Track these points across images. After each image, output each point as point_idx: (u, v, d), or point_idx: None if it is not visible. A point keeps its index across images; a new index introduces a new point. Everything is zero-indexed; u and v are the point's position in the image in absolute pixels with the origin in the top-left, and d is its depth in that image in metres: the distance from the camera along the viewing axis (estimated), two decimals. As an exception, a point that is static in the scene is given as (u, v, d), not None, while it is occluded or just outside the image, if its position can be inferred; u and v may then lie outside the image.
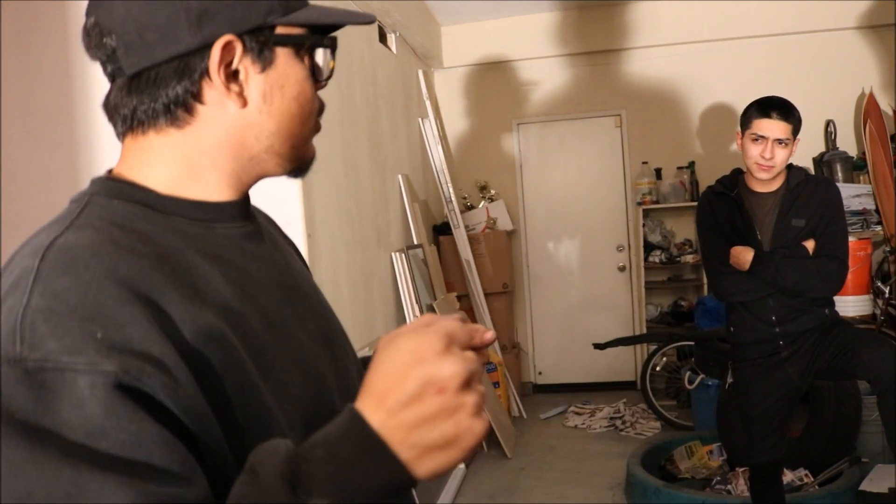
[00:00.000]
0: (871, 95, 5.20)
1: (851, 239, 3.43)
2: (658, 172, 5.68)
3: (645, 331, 5.69)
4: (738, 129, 2.75)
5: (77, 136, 3.06)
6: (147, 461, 0.60)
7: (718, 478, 3.79)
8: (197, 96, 0.77)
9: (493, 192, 5.84)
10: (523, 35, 5.72)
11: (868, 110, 5.17)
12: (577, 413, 5.41)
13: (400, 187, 4.46)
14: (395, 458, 0.59)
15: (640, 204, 5.66)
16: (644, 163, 5.70)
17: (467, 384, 0.61)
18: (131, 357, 0.62)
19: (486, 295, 5.34)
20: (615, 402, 5.48)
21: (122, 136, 0.81)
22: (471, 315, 5.17)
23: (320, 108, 0.86)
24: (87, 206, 0.75)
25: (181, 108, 0.77)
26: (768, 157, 2.61)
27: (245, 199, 0.86)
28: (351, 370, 0.90)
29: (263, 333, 0.76)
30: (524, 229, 6.02)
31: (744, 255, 2.65)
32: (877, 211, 4.99)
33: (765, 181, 2.70)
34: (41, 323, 0.61)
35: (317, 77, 0.84)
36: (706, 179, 5.33)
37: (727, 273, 2.72)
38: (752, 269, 2.63)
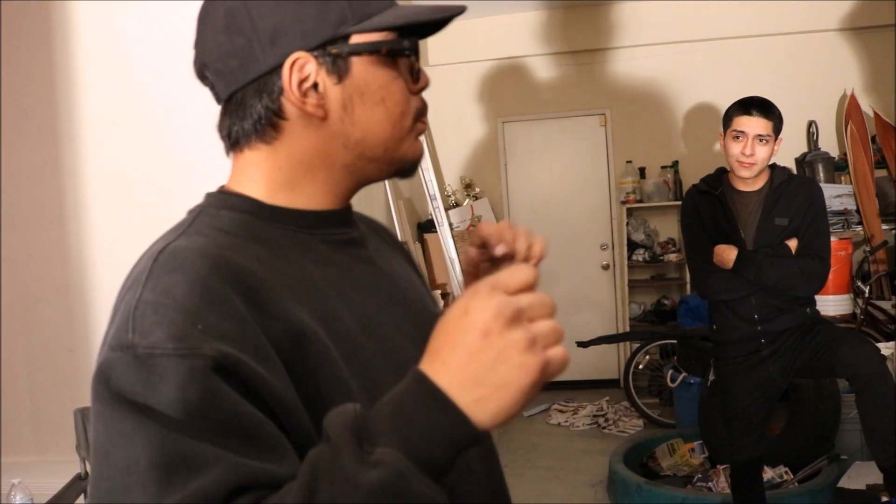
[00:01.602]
0: (853, 97, 5.25)
1: (832, 239, 3.46)
2: (642, 171, 5.71)
3: (628, 329, 5.72)
4: (721, 129, 2.77)
5: (60, 133, 3.04)
6: (241, 437, 0.65)
7: (700, 475, 3.82)
8: (279, 113, 0.81)
9: (477, 189, 5.85)
10: (509, 34, 5.73)
11: (850, 111, 5.22)
12: (560, 410, 5.43)
13: (384, 185, 4.46)
14: (453, 405, 0.60)
15: (623, 203, 5.68)
16: (628, 162, 5.72)
17: (515, 322, 0.61)
18: (228, 346, 0.67)
19: (471, 292, 5.33)
20: (598, 399, 5.51)
21: (228, 153, 0.87)
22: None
23: (420, 108, 0.87)
24: (199, 216, 0.83)
25: (266, 125, 0.81)
26: (749, 154, 2.64)
27: (346, 207, 0.90)
28: None
29: (358, 335, 0.80)
30: (509, 227, 6.02)
31: (727, 254, 2.67)
32: (857, 211, 5.04)
33: (748, 180, 2.72)
34: (150, 314, 0.68)
35: (411, 79, 0.85)
36: (690, 179, 5.36)
37: (711, 271, 2.74)
38: (736, 268, 2.65)
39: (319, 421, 0.71)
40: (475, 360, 0.60)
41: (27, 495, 2.37)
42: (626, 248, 5.69)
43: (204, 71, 0.83)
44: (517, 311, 0.61)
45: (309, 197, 0.85)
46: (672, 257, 5.63)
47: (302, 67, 0.79)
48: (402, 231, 4.62)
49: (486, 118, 5.96)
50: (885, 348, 3.43)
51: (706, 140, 5.53)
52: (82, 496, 2.61)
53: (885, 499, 2.62)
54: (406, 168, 0.88)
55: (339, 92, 0.81)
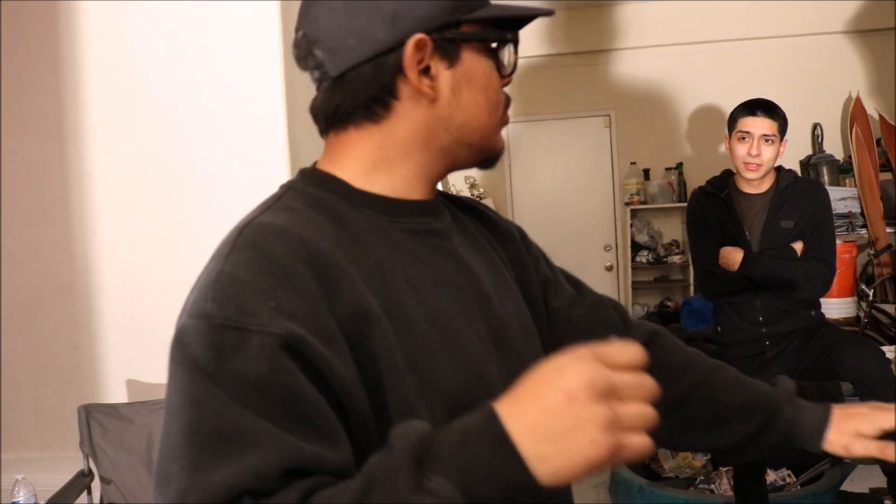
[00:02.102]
0: (858, 99, 5.24)
1: (837, 242, 3.46)
2: (646, 173, 5.70)
3: (631, 330, 5.70)
4: (726, 132, 2.77)
5: (66, 131, 3.04)
6: (299, 419, 0.68)
7: (702, 477, 3.81)
8: (392, 92, 0.83)
9: (481, 190, 5.85)
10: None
11: (855, 114, 5.20)
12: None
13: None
14: (518, 455, 0.60)
15: (627, 204, 5.68)
16: (632, 163, 5.72)
17: (604, 398, 0.61)
18: (297, 325, 0.70)
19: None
20: (601, 401, 5.49)
21: (325, 132, 0.89)
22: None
23: (507, 101, 0.92)
24: (288, 191, 0.86)
25: (378, 103, 0.84)
26: (755, 154, 2.65)
27: (431, 198, 0.92)
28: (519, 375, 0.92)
29: (423, 327, 0.80)
30: (512, 228, 6.02)
31: (733, 256, 2.67)
32: (862, 214, 5.03)
33: (753, 182, 2.72)
34: (228, 287, 0.71)
35: (501, 72, 0.89)
36: (694, 181, 5.36)
37: (716, 273, 2.74)
38: (742, 270, 2.65)
39: (378, 408, 0.75)
40: (551, 419, 0.61)
41: (31, 492, 2.38)
42: (629, 250, 5.68)
43: (312, 48, 0.84)
44: (610, 386, 0.62)
45: (399, 180, 0.87)
46: (676, 259, 5.62)
47: (423, 48, 0.82)
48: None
49: (491, 119, 5.95)
50: (889, 351, 3.42)
51: (711, 142, 5.52)
52: (86, 493, 2.62)
53: (887, 502, 2.61)
54: (493, 157, 0.93)
55: (449, 76, 0.84)
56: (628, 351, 0.64)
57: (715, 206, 2.79)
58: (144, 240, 3.04)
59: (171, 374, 0.72)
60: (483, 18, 0.86)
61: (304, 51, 0.86)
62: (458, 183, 5.86)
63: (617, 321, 1.15)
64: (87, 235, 3.08)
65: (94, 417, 2.64)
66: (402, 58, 0.81)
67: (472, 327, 0.87)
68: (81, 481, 2.60)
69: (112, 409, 2.69)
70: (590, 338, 1.05)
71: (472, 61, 0.86)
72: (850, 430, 1.07)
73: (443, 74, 0.84)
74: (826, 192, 2.80)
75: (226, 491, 0.64)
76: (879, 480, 2.90)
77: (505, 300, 0.95)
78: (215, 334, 0.69)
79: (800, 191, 2.73)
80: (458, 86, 0.85)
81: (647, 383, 0.64)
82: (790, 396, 1.09)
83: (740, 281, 2.70)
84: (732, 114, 2.74)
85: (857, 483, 3.38)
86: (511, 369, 0.86)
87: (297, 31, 0.87)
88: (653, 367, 0.68)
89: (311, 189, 0.85)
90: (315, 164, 0.91)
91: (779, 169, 2.78)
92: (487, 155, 0.92)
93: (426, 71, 0.83)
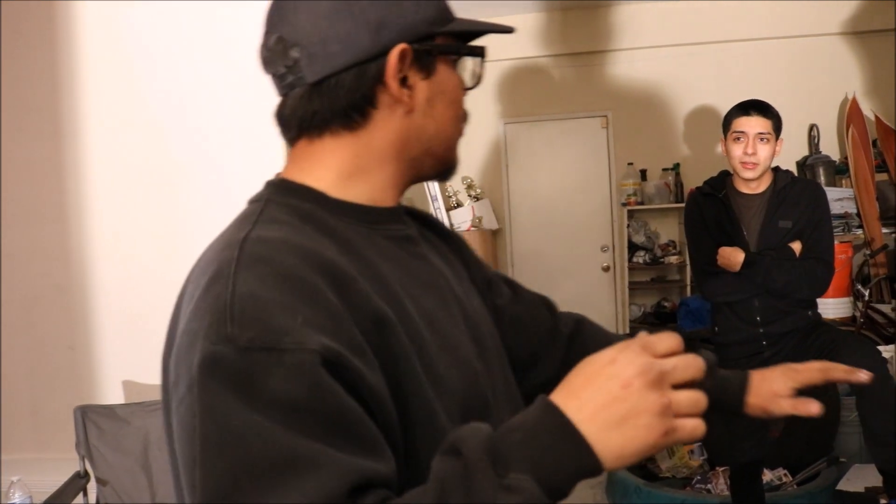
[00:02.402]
0: (854, 100, 5.25)
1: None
2: (643, 174, 5.71)
3: (628, 331, 5.71)
4: (722, 135, 2.78)
5: (63, 130, 3.04)
6: (347, 435, 0.66)
7: (699, 477, 3.82)
8: (371, 101, 0.83)
9: (478, 190, 5.85)
10: (511, 36, 5.69)
11: (851, 115, 5.22)
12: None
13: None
14: (585, 442, 0.65)
15: (624, 205, 5.68)
16: (629, 164, 5.72)
17: (657, 386, 0.66)
18: (329, 339, 0.68)
19: (471, 293, 5.34)
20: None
21: (293, 140, 0.88)
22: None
23: (466, 116, 0.93)
24: (267, 205, 0.82)
25: (357, 112, 0.83)
26: (751, 153, 2.65)
27: (399, 204, 0.93)
28: (496, 370, 0.94)
29: (424, 330, 0.81)
30: (509, 228, 6.03)
31: (734, 256, 2.67)
32: (858, 215, 5.04)
33: (751, 183, 2.72)
34: (249, 307, 0.68)
35: (466, 85, 0.91)
36: (691, 181, 5.37)
37: (715, 273, 2.74)
38: (743, 271, 2.66)
39: (402, 414, 0.74)
40: (610, 406, 0.65)
41: (26, 493, 2.37)
42: (626, 250, 5.69)
43: (289, 51, 0.82)
44: (661, 374, 0.66)
45: (373, 188, 0.87)
46: (672, 259, 5.63)
47: (405, 58, 0.82)
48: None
49: (488, 119, 5.96)
50: (885, 351, 3.42)
51: (707, 142, 5.52)
52: (82, 494, 2.61)
53: (883, 501, 2.62)
54: (452, 169, 0.94)
55: (425, 87, 0.85)
56: (670, 339, 0.69)
57: (713, 206, 2.79)
58: (142, 239, 3.03)
59: (206, 409, 0.66)
60: (453, 32, 0.87)
61: (277, 53, 0.84)
62: (455, 183, 5.86)
63: (548, 316, 1.18)
64: (84, 235, 3.08)
65: (91, 418, 2.63)
66: (384, 67, 0.82)
67: (458, 328, 0.88)
68: (77, 483, 2.60)
69: (108, 410, 2.68)
70: (528, 333, 1.11)
71: (445, 74, 0.88)
72: (767, 392, 1.17)
73: (419, 85, 0.85)
74: (824, 193, 2.81)
75: None
76: (875, 479, 2.90)
77: (472, 301, 0.98)
78: (245, 358, 0.66)
79: (798, 191, 2.74)
80: (432, 97, 0.86)
81: (693, 362, 0.68)
82: (712, 368, 1.14)
83: (740, 284, 2.70)
84: (727, 116, 2.76)
85: (852, 482, 3.39)
86: (488, 366, 0.91)
87: (267, 32, 0.86)
88: (581, 353, 0.74)
89: (293, 201, 0.83)
90: (280, 175, 0.89)
91: (776, 169, 2.79)
92: (449, 166, 0.93)
93: (403, 81, 0.84)
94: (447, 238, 1.06)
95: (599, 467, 0.65)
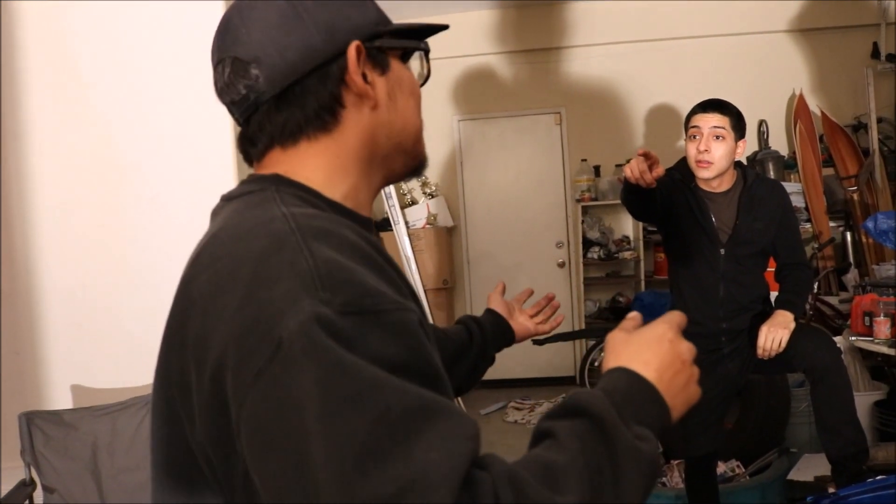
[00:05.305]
0: (801, 97, 5.36)
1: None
2: (597, 170, 5.75)
3: (584, 326, 5.76)
4: (685, 139, 2.75)
5: (5, 131, 2.95)
6: (445, 389, 0.71)
7: (654, 470, 3.85)
8: (339, 100, 0.85)
9: (433, 188, 5.84)
10: (463, 32, 5.72)
11: (798, 111, 5.33)
12: (517, 408, 5.45)
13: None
14: (667, 406, 0.79)
15: (579, 201, 5.72)
16: (583, 160, 5.76)
17: (693, 360, 0.85)
18: (412, 303, 0.73)
19: (427, 291, 5.34)
20: (555, 397, 5.54)
21: (263, 153, 0.87)
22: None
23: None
24: (278, 191, 0.81)
25: (328, 112, 0.84)
26: (703, 150, 2.62)
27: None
28: None
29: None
30: (465, 225, 6.03)
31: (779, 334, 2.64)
32: (806, 209, 5.15)
33: (711, 181, 2.69)
34: (336, 272, 0.68)
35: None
36: (643, 177, 5.42)
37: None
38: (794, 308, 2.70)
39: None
40: (676, 377, 0.82)
41: (-30, 503, 2.30)
42: (581, 246, 5.73)
43: (248, 69, 0.83)
44: (691, 349, 0.86)
45: (353, 190, 0.87)
46: (627, 255, 5.68)
47: (360, 55, 0.84)
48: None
49: (442, 116, 5.95)
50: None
51: (660, 138, 5.58)
52: (28, 502, 2.54)
53: (831, 490, 2.66)
54: (423, 164, 0.96)
55: (384, 83, 0.87)
56: (681, 318, 0.88)
57: (683, 192, 2.74)
58: (87, 243, 2.96)
59: (319, 367, 0.62)
60: (396, 32, 0.90)
61: (236, 76, 0.84)
62: (410, 181, 5.84)
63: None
64: (28, 239, 2.99)
65: (37, 424, 2.57)
66: (344, 66, 0.83)
67: (432, 332, 0.90)
68: (23, 491, 2.52)
69: (55, 416, 2.62)
70: None
71: (399, 68, 0.90)
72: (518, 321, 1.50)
73: (378, 81, 0.87)
74: (787, 193, 2.82)
75: (459, 462, 0.62)
76: (824, 468, 2.95)
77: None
78: (345, 320, 0.65)
79: (766, 190, 2.72)
80: (392, 91, 0.88)
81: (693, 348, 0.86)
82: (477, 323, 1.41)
83: (704, 272, 2.73)
84: (687, 116, 2.74)
85: (802, 472, 3.45)
86: None
87: (221, 61, 0.86)
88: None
89: (300, 192, 0.82)
90: (276, 174, 0.86)
91: (741, 167, 2.78)
92: (420, 160, 0.95)
93: (364, 78, 0.85)
94: None
95: (671, 423, 0.80)
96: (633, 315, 0.92)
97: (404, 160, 0.93)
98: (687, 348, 0.84)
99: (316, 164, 0.85)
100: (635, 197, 2.61)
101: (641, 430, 0.73)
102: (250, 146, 0.88)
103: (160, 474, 0.81)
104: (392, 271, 0.76)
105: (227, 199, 0.87)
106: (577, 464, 0.67)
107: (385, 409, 0.61)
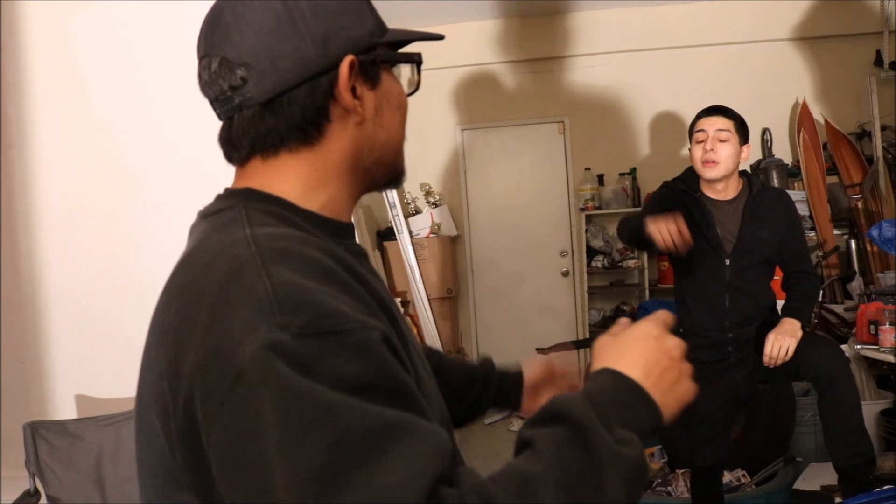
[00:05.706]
0: (805, 105, 5.36)
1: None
2: (600, 178, 5.75)
3: (588, 335, 5.74)
4: (688, 140, 2.76)
5: (9, 140, 2.96)
6: (413, 406, 0.68)
7: (659, 480, 3.84)
8: (325, 114, 0.83)
9: (437, 197, 5.85)
10: (468, 42, 5.73)
11: (802, 119, 5.32)
12: (522, 418, 5.43)
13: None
14: (655, 405, 0.78)
15: (582, 209, 5.72)
16: (587, 169, 5.76)
17: (684, 357, 0.83)
18: (377, 320, 0.71)
19: (431, 300, 5.33)
20: (558, 405, 5.51)
21: (245, 160, 0.86)
22: (415, 320, 5.16)
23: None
24: (247, 209, 0.80)
25: (312, 126, 0.83)
26: (709, 149, 2.64)
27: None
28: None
29: (398, 340, 0.80)
30: (468, 234, 6.03)
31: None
32: (810, 217, 5.14)
33: (716, 184, 2.68)
34: (294, 294, 0.67)
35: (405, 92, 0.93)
36: (647, 185, 5.43)
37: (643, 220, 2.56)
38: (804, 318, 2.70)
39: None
40: (665, 375, 0.80)
41: (-26, 513, 2.30)
42: (585, 255, 5.72)
43: (235, 72, 0.81)
44: (680, 345, 0.84)
45: (332, 201, 0.87)
46: (631, 264, 5.68)
47: (352, 70, 0.83)
48: (360, 238, 4.60)
49: (445, 125, 5.96)
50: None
51: (664, 146, 5.59)
52: (32, 513, 2.54)
53: (838, 500, 2.65)
54: (402, 175, 0.96)
55: (372, 97, 0.86)
56: (667, 315, 0.87)
57: (685, 203, 2.73)
58: (92, 251, 2.96)
59: (274, 394, 0.62)
60: (391, 42, 0.89)
61: (221, 75, 0.82)
62: (414, 190, 5.85)
63: None
64: (33, 247, 3.00)
65: (41, 435, 2.56)
66: (335, 80, 0.82)
67: (415, 341, 0.90)
68: (28, 501, 2.52)
69: (59, 426, 2.61)
70: None
71: (388, 82, 0.89)
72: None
73: (367, 95, 0.86)
74: (793, 202, 2.82)
75: (422, 482, 0.61)
76: (831, 478, 2.94)
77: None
78: (304, 344, 0.64)
79: (771, 199, 2.72)
80: (380, 106, 0.87)
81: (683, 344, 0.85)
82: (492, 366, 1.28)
83: (707, 281, 2.73)
84: (692, 122, 2.75)
85: (809, 481, 3.44)
86: (432, 379, 0.93)
87: (207, 55, 0.84)
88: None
89: (272, 207, 0.82)
90: (247, 187, 0.86)
91: (746, 175, 2.78)
92: (398, 173, 0.95)
93: (353, 92, 0.84)
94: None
95: (662, 425, 0.78)
96: (622, 321, 0.90)
97: (384, 172, 0.92)
98: (674, 344, 0.83)
99: (294, 177, 0.84)
100: (637, 244, 2.79)
101: (623, 432, 0.72)
102: (231, 148, 0.87)
103: (150, 495, 0.81)
104: (358, 286, 0.75)
105: (202, 215, 0.86)
106: (552, 473, 0.66)
107: (342, 434, 0.61)
